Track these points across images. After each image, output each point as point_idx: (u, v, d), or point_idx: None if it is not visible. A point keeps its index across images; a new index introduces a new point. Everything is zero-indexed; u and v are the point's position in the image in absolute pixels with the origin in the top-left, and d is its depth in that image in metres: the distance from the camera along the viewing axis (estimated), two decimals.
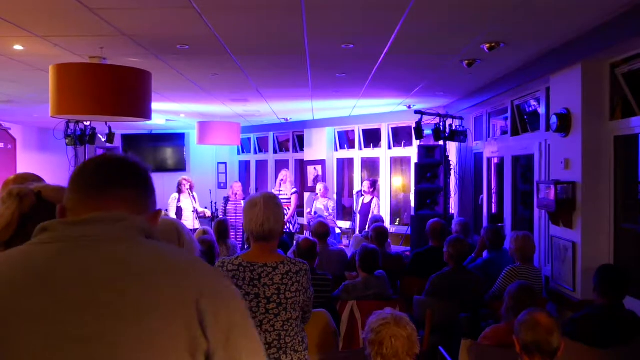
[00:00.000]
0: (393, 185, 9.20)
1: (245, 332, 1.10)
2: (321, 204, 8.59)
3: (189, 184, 7.99)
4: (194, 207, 7.90)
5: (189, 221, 7.68)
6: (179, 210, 7.88)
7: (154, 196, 1.23)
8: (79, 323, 0.97)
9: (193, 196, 7.98)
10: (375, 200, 8.25)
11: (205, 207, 8.75)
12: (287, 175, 8.80)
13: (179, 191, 7.97)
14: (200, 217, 8.11)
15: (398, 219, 9.13)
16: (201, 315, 1.02)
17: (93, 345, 0.97)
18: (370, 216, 7.73)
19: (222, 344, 1.04)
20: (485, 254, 5.09)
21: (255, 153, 11.94)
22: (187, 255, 1.18)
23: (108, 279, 1.01)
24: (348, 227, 9.24)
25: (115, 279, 1.01)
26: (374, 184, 8.33)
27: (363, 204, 8.29)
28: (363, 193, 8.32)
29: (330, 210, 8.64)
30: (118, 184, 1.16)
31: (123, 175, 1.17)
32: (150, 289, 1.02)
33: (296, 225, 8.86)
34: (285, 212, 8.20)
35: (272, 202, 2.49)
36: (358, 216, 8.32)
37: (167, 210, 8.10)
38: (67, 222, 1.09)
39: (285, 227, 8.12)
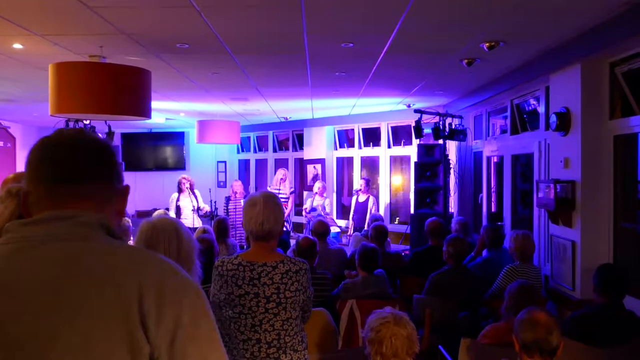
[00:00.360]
0: (393, 184, 9.20)
1: (194, 334, 1.01)
2: (318, 203, 8.58)
3: (188, 182, 7.97)
4: (194, 206, 7.87)
5: (188, 220, 7.67)
6: (177, 209, 7.86)
7: (119, 174, 1.17)
8: (15, 325, 0.96)
9: (195, 195, 7.96)
10: (372, 198, 8.24)
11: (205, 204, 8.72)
12: (286, 173, 8.80)
13: (179, 190, 7.95)
14: (202, 215, 8.08)
15: (397, 218, 9.14)
16: (143, 316, 0.97)
17: (28, 347, 0.95)
18: (368, 215, 7.73)
19: (165, 349, 0.98)
20: (484, 253, 5.09)
21: (255, 152, 11.94)
22: (136, 251, 1.11)
23: (47, 279, 0.99)
24: (345, 226, 9.24)
25: (54, 279, 0.99)
26: (368, 183, 8.34)
27: (358, 202, 8.29)
28: (357, 192, 8.33)
29: (328, 210, 8.63)
30: (79, 179, 1.10)
31: (83, 170, 1.11)
32: (88, 289, 0.98)
33: (291, 224, 8.87)
34: (285, 210, 8.25)
35: (272, 202, 2.48)
36: (351, 214, 8.32)
37: (167, 209, 8.09)
38: (23, 223, 1.08)
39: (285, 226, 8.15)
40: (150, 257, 1.08)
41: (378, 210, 8.38)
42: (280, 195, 8.32)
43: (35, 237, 1.04)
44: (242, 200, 8.17)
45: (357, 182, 9.30)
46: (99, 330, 0.96)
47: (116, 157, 1.19)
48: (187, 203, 7.86)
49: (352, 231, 8.11)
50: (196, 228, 6.11)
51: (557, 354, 2.35)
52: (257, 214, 2.43)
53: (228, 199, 8.65)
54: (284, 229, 8.26)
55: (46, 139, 1.14)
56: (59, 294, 0.98)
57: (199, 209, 7.87)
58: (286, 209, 8.46)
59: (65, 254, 1.02)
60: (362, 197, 8.25)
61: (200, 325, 1.02)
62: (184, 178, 8.05)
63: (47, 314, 0.96)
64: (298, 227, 9.67)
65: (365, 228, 7.19)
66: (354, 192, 8.85)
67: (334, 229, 7.72)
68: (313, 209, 8.41)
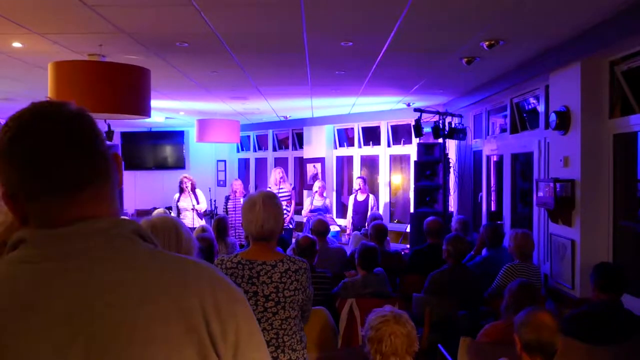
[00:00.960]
0: (392, 183, 9.20)
1: (251, 342, 1.02)
2: (318, 202, 8.57)
3: (189, 182, 7.95)
4: (193, 206, 7.84)
5: (188, 219, 7.66)
6: (177, 209, 7.86)
7: (105, 146, 1.03)
8: None
9: (195, 195, 7.95)
10: (372, 197, 8.23)
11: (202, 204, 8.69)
12: (282, 171, 8.78)
13: (181, 190, 7.93)
14: (201, 215, 8.07)
15: (397, 219, 9.14)
16: (212, 337, 0.95)
17: None
18: (369, 214, 7.73)
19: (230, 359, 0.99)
20: (484, 251, 5.10)
21: (255, 151, 11.94)
22: (185, 264, 1.02)
23: (104, 308, 0.89)
24: (344, 225, 9.24)
25: (113, 308, 0.89)
26: (365, 181, 8.33)
27: (356, 202, 8.27)
28: (354, 191, 8.32)
29: (327, 206, 8.61)
30: (94, 179, 0.98)
31: (96, 164, 0.99)
32: (153, 318, 0.91)
33: (293, 223, 8.86)
34: (287, 210, 8.25)
35: (271, 202, 2.47)
36: (350, 213, 8.31)
37: (169, 208, 8.10)
38: (48, 235, 0.93)
39: (286, 224, 8.14)
40: (199, 268, 1.02)
41: (379, 209, 8.38)
42: (282, 193, 8.31)
43: (74, 254, 0.91)
44: (241, 199, 8.17)
45: (357, 182, 9.29)
46: (175, 357, 0.91)
47: (97, 125, 1.03)
48: (186, 203, 7.85)
49: (350, 231, 8.10)
50: (195, 227, 6.10)
51: (556, 354, 2.35)
52: (257, 216, 2.43)
53: (227, 198, 8.65)
54: (288, 226, 8.27)
55: (27, 129, 0.97)
56: (124, 325, 0.89)
57: (194, 208, 7.84)
58: (289, 206, 8.44)
59: (115, 277, 0.92)
60: (361, 196, 8.22)
61: (253, 332, 1.04)
62: (185, 177, 8.03)
63: (113, 348, 0.87)
64: (298, 225, 9.67)
65: (366, 227, 7.19)
66: (355, 191, 8.84)
67: (333, 228, 7.73)
68: (315, 210, 8.39)
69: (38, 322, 0.87)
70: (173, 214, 7.47)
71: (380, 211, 8.57)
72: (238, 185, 8.69)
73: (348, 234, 8.05)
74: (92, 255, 0.93)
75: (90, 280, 0.90)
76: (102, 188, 1.00)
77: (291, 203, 8.55)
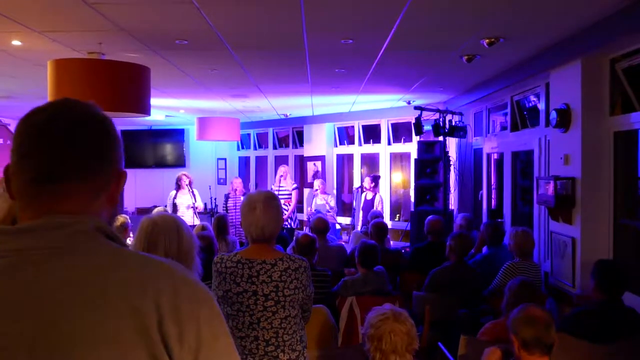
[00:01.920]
0: (393, 181, 9.20)
1: (215, 347, 0.97)
2: (322, 201, 8.56)
3: (188, 179, 7.93)
4: (192, 203, 7.82)
5: (186, 217, 7.62)
6: (174, 206, 7.78)
7: (116, 157, 1.03)
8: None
9: (193, 192, 7.92)
10: (378, 196, 8.21)
11: (204, 203, 8.69)
12: (286, 170, 8.78)
13: (178, 187, 7.88)
14: (200, 212, 8.05)
15: (398, 215, 9.13)
16: (165, 338, 0.91)
17: None
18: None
19: None
20: (484, 249, 5.09)
21: (255, 149, 11.93)
22: (145, 262, 0.99)
23: (57, 305, 0.88)
24: (348, 223, 9.23)
25: (67, 305, 0.88)
26: (375, 180, 8.29)
27: (366, 200, 8.24)
28: (364, 189, 8.29)
29: (332, 205, 8.60)
30: (77, 174, 0.97)
31: (72, 167, 0.97)
32: (105, 315, 0.89)
33: (296, 222, 8.85)
34: (286, 207, 8.24)
35: (271, 204, 2.46)
36: (361, 212, 8.28)
37: (165, 206, 8.06)
38: (14, 231, 0.94)
39: (286, 223, 8.13)
40: (161, 267, 0.99)
41: (383, 209, 8.35)
42: (283, 192, 8.30)
43: (31, 250, 0.91)
44: (241, 197, 8.16)
45: (358, 179, 9.29)
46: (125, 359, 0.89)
47: (114, 135, 1.03)
48: (184, 200, 7.81)
49: (359, 228, 8.05)
50: (194, 225, 6.09)
51: (553, 350, 2.35)
52: (258, 218, 2.42)
53: (227, 196, 8.64)
54: (289, 226, 8.26)
55: (32, 118, 0.99)
56: (73, 323, 0.87)
57: (195, 207, 7.81)
58: (289, 205, 8.43)
59: (70, 274, 0.90)
60: (369, 195, 8.20)
61: (218, 336, 0.99)
62: (184, 175, 8.00)
63: (63, 346, 0.86)
64: (301, 224, 9.66)
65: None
66: (355, 189, 8.82)
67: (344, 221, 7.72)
68: (317, 211, 8.37)
69: None
70: (168, 210, 7.44)
71: (386, 209, 8.57)
72: (238, 183, 8.69)
73: (354, 232, 8.00)
74: (48, 251, 0.92)
75: (42, 276, 0.90)
76: (82, 187, 0.98)
77: (290, 202, 8.54)
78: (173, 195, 7.86)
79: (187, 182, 7.84)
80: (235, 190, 8.52)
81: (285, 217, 8.23)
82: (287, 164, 10.53)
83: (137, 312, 0.90)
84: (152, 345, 0.90)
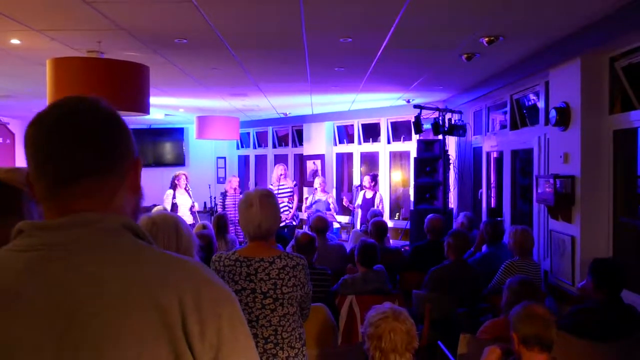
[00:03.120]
0: (392, 180, 9.20)
1: (236, 347, 0.98)
2: (322, 198, 8.54)
3: (185, 179, 7.81)
4: (192, 206, 7.75)
5: (185, 217, 7.58)
6: (174, 207, 7.69)
7: (130, 147, 1.06)
8: (48, 353, 0.87)
9: (189, 192, 7.84)
10: (378, 194, 8.21)
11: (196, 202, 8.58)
12: (285, 169, 8.76)
13: (175, 186, 7.77)
14: (196, 211, 7.99)
15: (397, 214, 9.13)
16: (188, 336, 0.93)
17: None
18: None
19: None
20: (484, 248, 5.09)
21: (255, 148, 11.93)
22: (169, 260, 1.01)
23: (82, 300, 0.89)
24: (347, 221, 9.23)
25: (93, 300, 0.90)
26: (374, 178, 8.29)
27: (365, 199, 8.24)
28: (364, 188, 8.29)
29: (334, 204, 8.59)
30: (92, 172, 0.98)
31: (88, 166, 0.98)
32: (130, 311, 0.90)
33: (297, 220, 8.85)
34: (290, 206, 8.24)
35: (268, 201, 2.47)
36: (359, 211, 8.28)
37: (163, 206, 8.01)
38: (40, 226, 0.96)
39: (290, 221, 8.13)
40: (186, 266, 1.00)
41: (383, 208, 8.35)
42: (284, 190, 8.29)
43: (59, 246, 0.93)
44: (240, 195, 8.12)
45: (358, 178, 9.29)
46: (148, 355, 0.90)
47: (123, 126, 1.05)
48: (184, 200, 7.73)
49: (359, 226, 8.05)
50: (194, 224, 6.06)
51: (552, 347, 2.36)
52: (254, 215, 2.43)
53: (224, 195, 8.60)
54: (291, 223, 8.25)
55: (40, 121, 0.99)
56: (98, 318, 0.88)
57: (192, 207, 7.75)
58: (291, 202, 8.43)
59: (96, 270, 0.92)
60: (369, 194, 8.20)
61: (239, 336, 0.99)
62: (183, 174, 7.91)
63: (86, 341, 0.88)
64: (301, 222, 9.66)
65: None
66: (355, 187, 8.82)
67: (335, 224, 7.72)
68: (311, 206, 8.37)
69: (19, 310, 0.89)
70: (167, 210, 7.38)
71: (386, 209, 8.56)
72: (237, 182, 8.68)
73: (354, 230, 8.00)
74: (74, 247, 0.93)
75: (69, 273, 0.91)
76: (102, 183, 1.00)
77: (293, 199, 8.54)
78: (171, 195, 7.75)
79: (183, 180, 7.73)
80: (234, 189, 8.50)
81: (290, 215, 8.22)
82: (287, 163, 10.54)
83: (161, 309, 0.91)
84: (175, 341, 0.92)
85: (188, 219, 7.51)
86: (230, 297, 1.02)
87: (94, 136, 0.99)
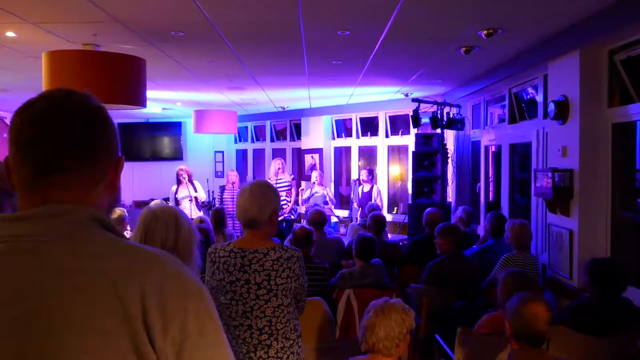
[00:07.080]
0: (390, 174, 9.19)
1: (201, 342, 0.96)
2: (320, 192, 8.53)
3: (186, 174, 7.87)
4: (192, 196, 7.79)
5: (186, 210, 7.62)
6: (176, 202, 7.81)
7: (112, 145, 1.05)
8: (11, 344, 0.87)
9: (194, 186, 7.89)
10: (376, 188, 8.20)
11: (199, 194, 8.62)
12: (282, 162, 8.74)
13: (178, 182, 7.87)
14: (199, 205, 8.01)
15: (395, 207, 9.13)
16: (149, 329, 0.91)
17: None
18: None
19: (172, 358, 0.93)
20: (490, 241, 5.07)
21: (253, 142, 11.91)
22: (136, 253, 0.99)
23: (45, 292, 0.89)
24: (346, 215, 9.22)
25: (58, 292, 0.89)
26: (371, 172, 8.29)
27: (363, 192, 8.24)
28: (361, 182, 8.28)
29: (331, 197, 8.57)
30: (62, 169, 0.98)
31: (67, 159, 0.98)
32: (93, 303, 0.89)
33: (296, 213, 8.84)
34: (288, 199, 8.23)
35: (259, 191, 2.46)
36: (355, 204, 8.28)
37: (166, 199, 8.04)
38: (12, 218, 0.96)
39: (287, 215, 8.12)
40: (152, 258, 0.98)
41: (382, 201, 8.35)
42: (283, 184, 8.27)
43: (28, 237, 0.93)
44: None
45: (356, 172, 9.27)
46: (109, 348, 0.89)
47: (109, 123, 1.04)
48: (184, 194, 7.81)
49: (358, 221, 8.04)
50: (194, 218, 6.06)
51: (544, 343, 2.36)
52: (243, 202, 2.44)
53: (223, 188, 8.60)
54: (289, 217, 8.24)
55: (27, 109, 0.99)
56: (62, 310, 0.88)
57: (195, 198, 7.80)
58: (289, 196, 8.42)
59: (62, 261, 0.91)
60: (366, 187, 8.20)
61: (206, 331, 0.97)
62: (182, 169, 7.95)
63: (53, 332, 0.87)
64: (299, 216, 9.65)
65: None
66: (353, 181, 8.80)
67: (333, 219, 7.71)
68: (308, 199, 8.35)
69: None
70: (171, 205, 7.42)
71: (384, 202, 8.55)
72: (235, 176, 8.67)
73: (351, 224, 8.00)
74: (42, 238, 0.93)
75: (34, 264, 0.91)
76: (80, 177, 1.00)
77: (291, 193, 8.53)
78: (174, 190, 7.86)
79: (185, 177, 7.78)
80: (233, 183, 8.49)
81: (288, 209, 8.22)
82: (285, 157, 10.52)
83: (122, 301, 0.90)
84: (136, 335, 0.90)
85: (187, 211, 7.51)
86: (200, 291, 0.99)
87: (78, 130, 0.99)
